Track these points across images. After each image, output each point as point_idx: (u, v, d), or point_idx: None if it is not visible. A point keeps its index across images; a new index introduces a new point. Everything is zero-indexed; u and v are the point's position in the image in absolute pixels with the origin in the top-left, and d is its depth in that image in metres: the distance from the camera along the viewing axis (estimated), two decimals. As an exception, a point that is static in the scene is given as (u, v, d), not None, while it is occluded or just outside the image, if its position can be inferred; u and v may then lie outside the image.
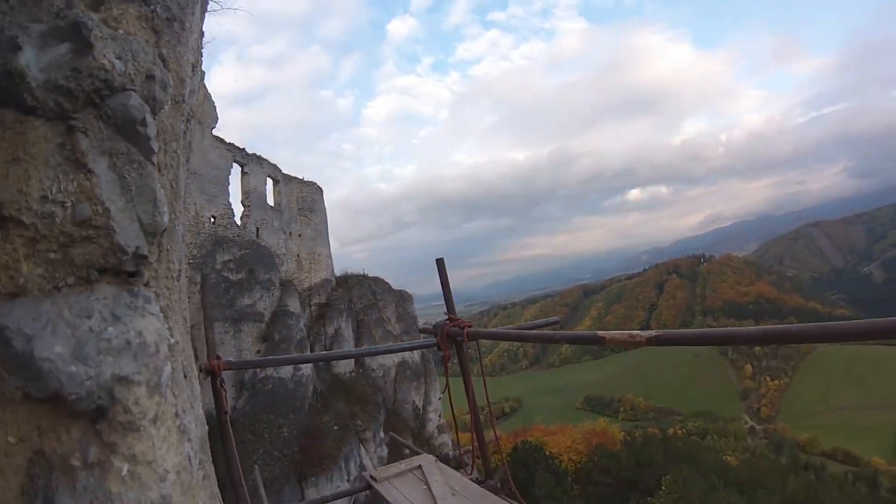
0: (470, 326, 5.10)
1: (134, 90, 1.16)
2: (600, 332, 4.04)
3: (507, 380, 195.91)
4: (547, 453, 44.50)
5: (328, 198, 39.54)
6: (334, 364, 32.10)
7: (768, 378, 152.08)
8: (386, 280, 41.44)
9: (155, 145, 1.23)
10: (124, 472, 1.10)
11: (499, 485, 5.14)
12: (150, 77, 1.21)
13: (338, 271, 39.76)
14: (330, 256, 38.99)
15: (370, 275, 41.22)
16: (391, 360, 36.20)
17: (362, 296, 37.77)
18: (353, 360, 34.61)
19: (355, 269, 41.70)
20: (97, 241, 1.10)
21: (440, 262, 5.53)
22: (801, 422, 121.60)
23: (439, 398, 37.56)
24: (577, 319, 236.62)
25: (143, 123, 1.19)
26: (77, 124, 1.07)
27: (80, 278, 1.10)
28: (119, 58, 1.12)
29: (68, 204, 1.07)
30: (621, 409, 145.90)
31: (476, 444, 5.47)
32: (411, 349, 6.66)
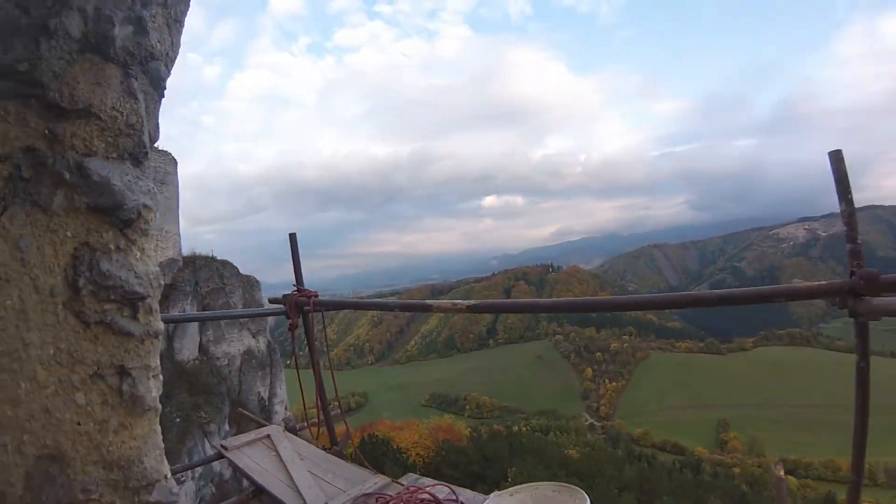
0: (316, 296, 5.52)
1: (161, 61, 1.99)
2: (428, 301, 5.10)
3: (353, 374, 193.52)
4: (395, 447, 45.42)
5: (181, 171, 37.33)
6: (178, 350, 31.10)
7: (607, 380, 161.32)
8: (234, 264, 39.27)
9: (163, 93, 2.08)
10: (137, 254, 1.87)
11: (343, 451, 5.45)
12: (168, 56, 2.05)
13: (185, 251, 37.30)
14: (179, 235, 36.82)
15: (219, 257, 38.65)
16: (236, 348, 35.10)
17: (209, 279, 35.89)
18: (196, 346, 33.14)
19: (203, 250, 38.82)
20: (132, 137, 1.91)
21: (293, 237, 5.87)
22: (635, 419, 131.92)
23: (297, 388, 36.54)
24: (424, 317, 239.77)
25: (163, 80, 2.01)
26: (132, 72, 1.87)
27: (120, 155, 1.90)
28: (158, 42, 1.94)
29: (124, 113, 1.86)
30: (467, 406, 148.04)
31: (321, 415, 5.82)
32: (261, 315, 6.97)
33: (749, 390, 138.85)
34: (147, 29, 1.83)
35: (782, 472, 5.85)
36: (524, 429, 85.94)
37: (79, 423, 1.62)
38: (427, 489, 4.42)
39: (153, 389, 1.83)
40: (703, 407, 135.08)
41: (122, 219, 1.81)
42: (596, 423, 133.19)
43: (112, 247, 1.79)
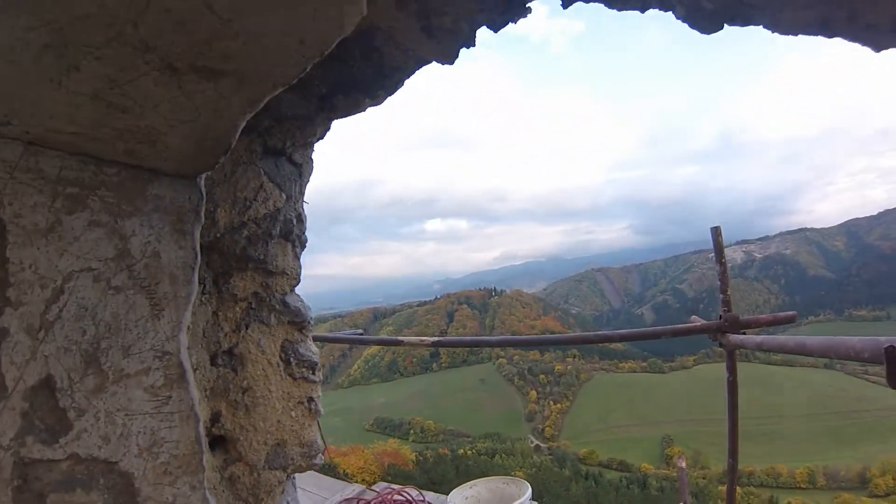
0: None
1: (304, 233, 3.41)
2: (400, 337, 6.45)
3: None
4: (341, 472, 45.97)
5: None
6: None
7: (552, 402, 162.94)
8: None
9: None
10: (310, 342, 3.04)
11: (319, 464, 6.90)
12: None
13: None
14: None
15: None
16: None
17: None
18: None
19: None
20: (297, 280, 3.18)
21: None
22: (581, 439, 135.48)
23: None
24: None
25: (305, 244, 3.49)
26: (296, 246, 3.05)
27: (294, 291, 3.24)
28: (304, 222, 3.40)
29: (296, 270, 3.07)
30: (411, 430, 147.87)
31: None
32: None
33: (691, 406, 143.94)
34: (303, 219, 3.10)
35: (684, 464, 7.47)
36: (470, 452, 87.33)
37: (292, 427, 2.94)
38: (399, 491, 5.87)
39: (321, 408, 3.15)
40: (647, 424, 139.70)
41: (302, 325, 3.05)
42: (542, 444, 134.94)
43: (300, 340, 3.07)
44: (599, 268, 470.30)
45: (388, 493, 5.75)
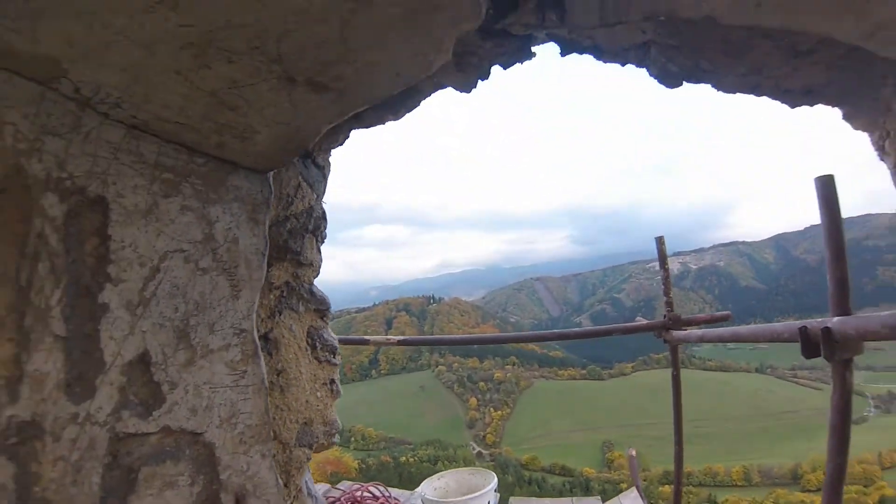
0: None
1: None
2: (367, 336, 6.77)
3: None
4: (282, 484, 45.84)
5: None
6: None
7: (492, 409, 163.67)
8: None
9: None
10: (330, 329, 3.31)
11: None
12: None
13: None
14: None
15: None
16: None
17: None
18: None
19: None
20: (318, 271, 3.48)
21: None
22: (522, 445, 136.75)
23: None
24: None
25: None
26: (319, 240, 3.39)
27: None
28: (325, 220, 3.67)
29: (318, 261, 3.24)
30: (352, 438, 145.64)
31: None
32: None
33: (630, 411, 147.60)
34: (325, 217, 3.30)
35: (634, 453, 7.98)
36: (412, 459, 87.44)
37: (317, 406, 3.15)
38: (365, 488, 6.17)
39: (340, 389, 3.37)
40: (587, 430, 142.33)
41: (324, 312, 3.30)
42: (483, 451, 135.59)
43: (323, 326, 3.30)
44: (538, 277, 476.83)
45: (357, 490, 5.99)
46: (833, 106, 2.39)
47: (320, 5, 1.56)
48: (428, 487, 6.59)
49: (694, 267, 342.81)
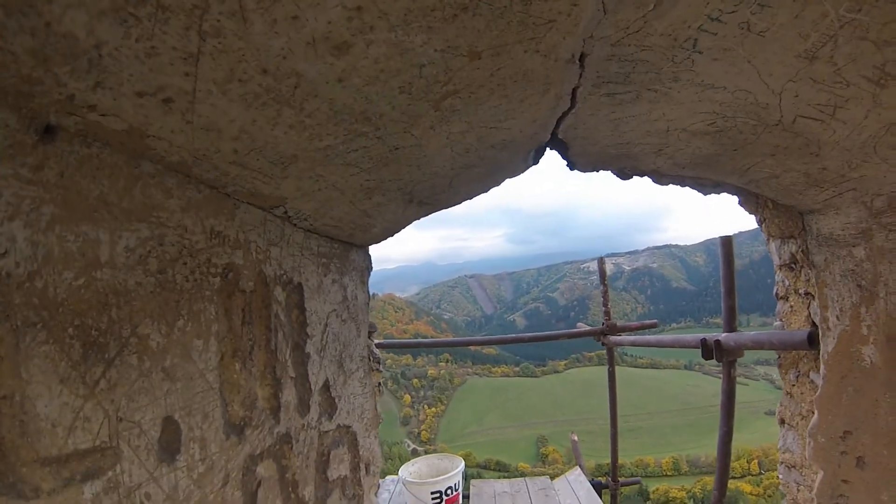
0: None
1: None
2: None
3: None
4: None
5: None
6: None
7: (426, 406, 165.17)
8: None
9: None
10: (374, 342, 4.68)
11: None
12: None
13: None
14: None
15: None
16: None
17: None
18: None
19: None
20: None
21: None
22: (457, 441, 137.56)
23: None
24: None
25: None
26: None
27: None
28: None
29: None
30: None
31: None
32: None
33: (564, 407, 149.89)
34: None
35: (576, 437, 9.39)
36: None
37: (372, 401, 4.09)
38: None
39: (383, 389, 4.56)
40: (522, 426, 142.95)
41: (372, 333, 4.20)
42: (418, 447, 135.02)
43: (372, 344, 4.20)
44: (472, 274, 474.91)
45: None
46: (733, 195, 3.40)
47: (444, 172, 2.67)
48: (405, 471, 7.81)
49: (627, 268, 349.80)
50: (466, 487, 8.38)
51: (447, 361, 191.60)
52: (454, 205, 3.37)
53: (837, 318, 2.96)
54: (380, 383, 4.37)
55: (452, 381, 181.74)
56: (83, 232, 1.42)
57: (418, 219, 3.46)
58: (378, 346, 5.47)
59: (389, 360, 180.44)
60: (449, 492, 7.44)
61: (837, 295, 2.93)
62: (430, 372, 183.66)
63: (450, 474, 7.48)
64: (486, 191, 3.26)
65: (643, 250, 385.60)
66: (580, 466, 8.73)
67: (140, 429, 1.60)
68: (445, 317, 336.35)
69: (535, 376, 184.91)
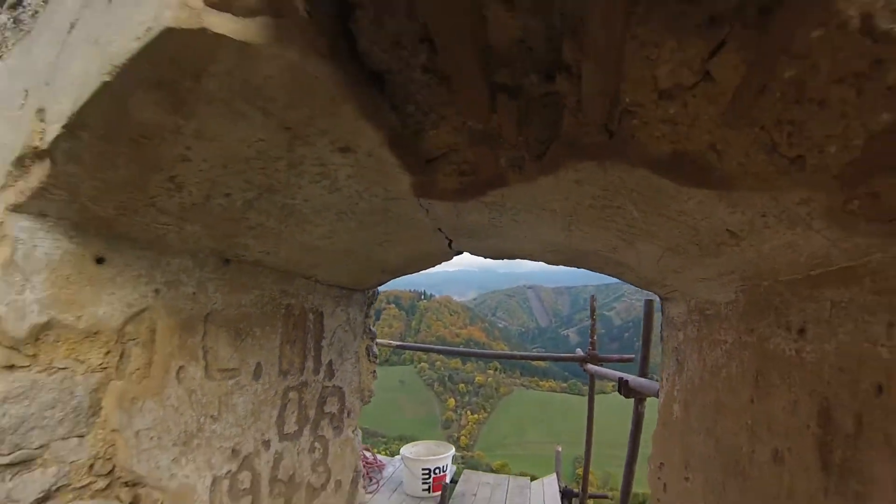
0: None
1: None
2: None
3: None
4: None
5: None
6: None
7: (469, 412, 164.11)
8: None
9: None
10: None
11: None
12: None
13: None
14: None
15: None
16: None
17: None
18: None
19: None
20: None
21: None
22: (495, 451, 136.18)
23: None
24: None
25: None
26: None
27: None
28: None
29: None
30: None
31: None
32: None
33: (605, 431, 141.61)
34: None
35: (560, 448, 11.33)
36: (383, 452, 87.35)
37: (367, 382, 6.37)
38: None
39: (377, 372, 6.73)
40: (561, 443, 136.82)
41: (374, 337, 6.42)
42: (456, 453, 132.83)
43: (371, 344, 6.38)
44: (531, 285, 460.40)
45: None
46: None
47: (398, 262, 5.18)
48: (407, 451, 9.67)
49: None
50: (459, 473, 10.52)
51: (495, 369, 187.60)
52: (411, 273, 5.60)
53: (666, 379, 3.77)
54: (374, 370, 6.44)
55: (499, 389, 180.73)
56: (237, 294, 4.00)
57: (389, 280, 5.75)
58: (380, 345, 7.43)
59: (439, 363, 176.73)
60: (437, 471, 9.06)
61: (668, 363, 3.72)
62: (477, 378, 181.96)
63: (440, 457, 9.33)
64: (429, 267, 5.52)
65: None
66: (556, 474, 11.08)
67: (249, 366, 4.06)
68: (500, 325, 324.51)
69: (582, 395, 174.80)
